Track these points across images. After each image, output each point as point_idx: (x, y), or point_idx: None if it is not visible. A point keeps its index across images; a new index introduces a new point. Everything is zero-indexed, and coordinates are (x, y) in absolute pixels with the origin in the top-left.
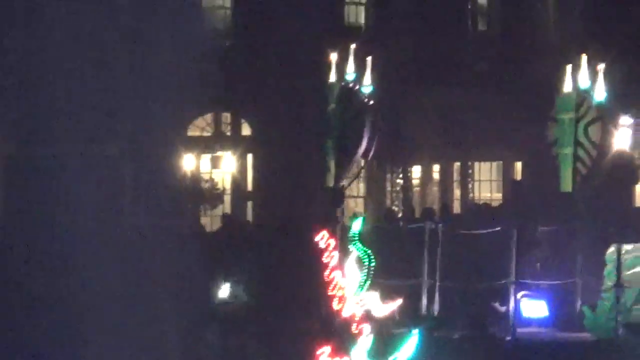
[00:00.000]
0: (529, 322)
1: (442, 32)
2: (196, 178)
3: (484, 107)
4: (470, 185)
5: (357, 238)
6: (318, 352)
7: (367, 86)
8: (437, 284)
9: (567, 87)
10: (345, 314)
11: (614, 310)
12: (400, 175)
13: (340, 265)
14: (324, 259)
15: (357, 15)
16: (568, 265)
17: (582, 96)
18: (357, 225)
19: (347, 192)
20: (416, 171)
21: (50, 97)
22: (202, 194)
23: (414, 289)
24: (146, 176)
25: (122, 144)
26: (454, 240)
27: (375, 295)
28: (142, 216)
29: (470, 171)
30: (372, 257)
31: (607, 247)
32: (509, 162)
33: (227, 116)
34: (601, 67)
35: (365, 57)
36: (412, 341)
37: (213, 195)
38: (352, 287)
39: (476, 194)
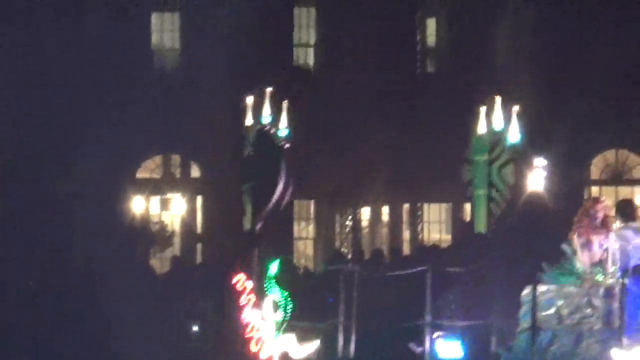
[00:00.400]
0: None
1: (391, 72)
2: (145, 220)
3: (432, 148)
4: (419, 227)
5: (274, 280)
6: None
7: (283, 129)
8: (354, 324)
9: (481, 128)
10: (262, 355)
11: (530, 351)
12: (350, 217)
13: (257, 307)
14: (242, 301)
15: (306, 56)
16: (483, 306)
17: (496, 138)
18: (274, 268)
19: (297, 234)
20: (365, 212)
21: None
22: (151, 236)
23: (331, 330)
24: (96, 217)
25: (72, 185)
26: (372, 282)
27: (292, 337)
28: (92, 257)
29: (419, 212)
30: (290, 299)
31: (523, 288)
32: (458, 203)
33: (176, 158)
34: (515, 109)
35: (282, 100)
36: None
37: (163, 237)
38: (269, 329)
39: (425, 236)
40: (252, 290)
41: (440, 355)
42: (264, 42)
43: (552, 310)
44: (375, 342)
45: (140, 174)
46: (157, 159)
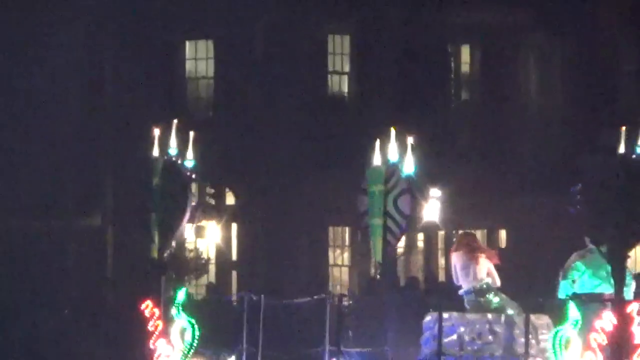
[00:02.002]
0: None
1: (425, 100)
2: (181, 247)
3: (468, 175)
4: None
5: (181, 308)
6: None
7: (189, 160)
8: (260, 351)
9: (377, 160)
10: None
11: None
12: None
13: (165, 333)
14: (149, 328)
15: (340, 85)
16: (380, 334)
17: (391, 169)
18: (181, 295)
19: (332, 261)
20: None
21: (33, 171)
22: (187, 263)
23: (238, 357)
24: (130, 246)
25: (105, 215)
26: (277, 310)
27: None
28: (126, 287)
29: (454, 239)
30: (197, 326)
31: (423, 315)
32: (493, 229)
33: (211, 186)
34: (410, 140)
35: (189, 130)
36: None
37: (198, 265)
38: (177, 355)
39: None
40: (159, 317)
41: None
42: (298, 70)
43: (454, 337)
44: None
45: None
46: (192, 187)
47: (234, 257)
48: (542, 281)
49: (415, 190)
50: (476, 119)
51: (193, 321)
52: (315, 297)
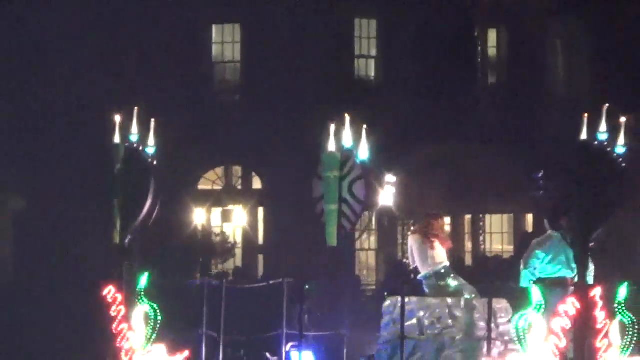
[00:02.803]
0: None
1: (452, 84)
2: (207, 232)
3: (494, 159)
4: (481, 238)
5: (143, 293)
6: None
7: (151, 147)
8: (221, 335)
9: (331, 146)
10: None
11: None
12: (412, 228)
13: (127, 318)
14: (112, 312)
15: (367, 68)
16: (336, 318)
17: (347, 155)
18: (143, 281)
19: (359, 245)
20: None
21: (59, 154)
22: (213, 247)
23: (200, 341)
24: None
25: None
26: (238, 294)
27: (162, 347)
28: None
29: (481, 223)
30: (159, 311)
31: (382, 300)
32: (519, 214)
33: (238, 169)
34: (365, 127)
35: (150, 118)
36: None
37: (224, 249)
38: (139, 339)
39: (487, 246)
40: (122, 302)
41: None
42: (325, 54)
43: (414, 321)
44: (240, 352)
45: (202, 186)
46: (219, 171)
47: (260, 241)
48: None
49: (370, 175)
50: (503, 102)
51: (155, 306)
52: (272, 282)
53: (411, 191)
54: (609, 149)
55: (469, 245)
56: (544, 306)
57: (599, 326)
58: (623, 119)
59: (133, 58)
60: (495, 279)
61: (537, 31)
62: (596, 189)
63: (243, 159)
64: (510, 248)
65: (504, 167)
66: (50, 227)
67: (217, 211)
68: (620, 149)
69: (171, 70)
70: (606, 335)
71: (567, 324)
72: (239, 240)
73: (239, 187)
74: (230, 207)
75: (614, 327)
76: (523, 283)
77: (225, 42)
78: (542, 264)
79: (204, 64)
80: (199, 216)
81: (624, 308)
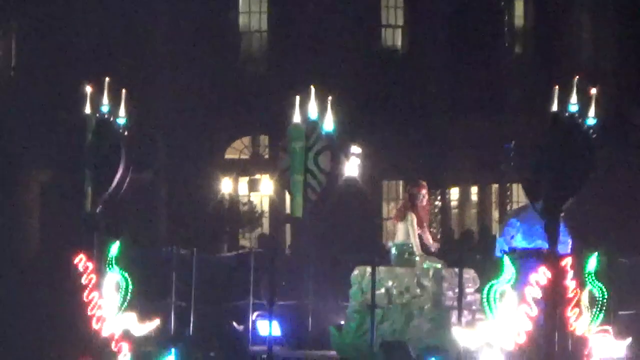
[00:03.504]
0: (264, 340)
1: (478, 55)
2: (234, 201)
3: (520, 129)
4: (508, 207)
5: (114, 262)
6: None
7: (122, 118)
8: (192, 305)
9: (297, 117)
10: (104, 333)
11: (361, 329)
12: (439, 198)
13: (98, 287)
14: (83, 281)
15: (393, 38)
16: (302, 287)
17: (312, 126)
18: (114, 250)
19: (386, 214)
20: (454, 193)
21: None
22: (240, 216)
23: (170, 310)
24: (183, 200)
25: (160, 168)
26: (206, 264)
27: (133, 315)
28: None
29: (508, 192)
30: (130, 280)
31: (350, 269)
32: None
33: (264, 138)
34: (330, 98)
35: (120, 90)
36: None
37: (251, 218)
38: (111, 307)
39: None
40: (93, 271)
41: (260, 333)
42: (351, 24)
43: (382, 290)
44: (210, 321)
45: (229, 155)
46: (246, 140)
47: (288, 209)
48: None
49: (335, 147)
50: (529, 72)
51: (126, 275)
52: (241, 251)
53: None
54: (579, 120)
55: (495, 214)
56: (514, 276)
57: (569, 295)
58: (594, 91)
59: (161, 28)
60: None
61: (563, 1)
62: (567, 160)
63: (270, 128)
64: None
65: (530, 138)
66: (20, 197)
67: (244, 180)
68: (590, 120)
69: (198, 40)
70: (577, 305)
71: (538, 293)
72: (265, 209)
73: (266, 156)
74: (257, 176)
75: (584, 297)
76: (498, 252)
77: (252, 12)
78: (518, 233)
79: (231, 33)
80: (226, 185)
81: (594, 278)
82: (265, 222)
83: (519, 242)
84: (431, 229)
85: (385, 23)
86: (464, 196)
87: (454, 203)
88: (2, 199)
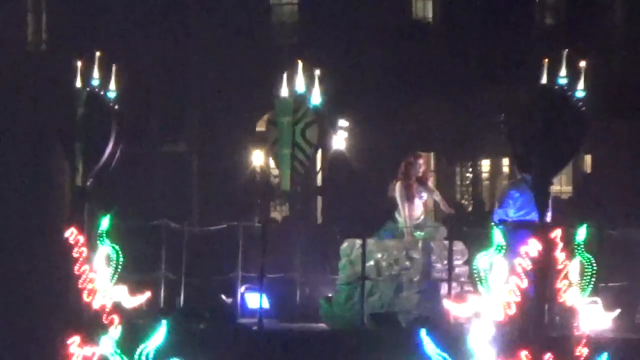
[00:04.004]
0: (253, 313)
1: (508, 27)
2: (265, 174)
3: None
4: None
5: (105, 234)
6: (68, 342)
7: (112, 91)
8: (183, 278)
9: (284, 91)
10: (95, 305)
11: (350, 301)
12: (470, 169)
13: (89, 259)
14: (74, 254)
15: (424, 10)
16: (289, 260)
17: (299, 100)
18: (105, 223)
19: None
20: (485, 165)
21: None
22: (271, 189)
23: (160, 282)
24: (215, 172)
25: (192, 141)
26: (197, 237)
27: (124, 288)
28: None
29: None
30: (120, 253)
31: (338, 242)
32: (578, 155)
33: None
34: (317, 72)
35: (111, 64)
36: (160, 331)
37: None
38: (102, 280)
39: None
40: (83, 244)
41: (249, 306)
42: None
43: (371, 263)
44: (200, 294)
45: (260, 128)
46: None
47: (319, 182)
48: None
49: (322, 120)
50: (560, 44)
51: (117, 248)
52: (227, 224)
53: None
54: (569, 93)
55: None
56: (504, 247)
57: (559, 267)
58: (582, 64)
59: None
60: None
61: None
62: (556, 133)
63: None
64: (569, 189)
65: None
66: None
67: None
68: (580, 93)
69: (230, 13)
70: (566, 276)
71: (529, 264)
72: None
73: None
74: None
75: (574, 268)
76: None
77: None
78: (517, 204)
79: (261, 6)
80: (257, 158)
81: (583, 249)
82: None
83: (514, 213)
84: (463, 200)
85: None
86: (495, 168)
87: (485, 175)
88: None
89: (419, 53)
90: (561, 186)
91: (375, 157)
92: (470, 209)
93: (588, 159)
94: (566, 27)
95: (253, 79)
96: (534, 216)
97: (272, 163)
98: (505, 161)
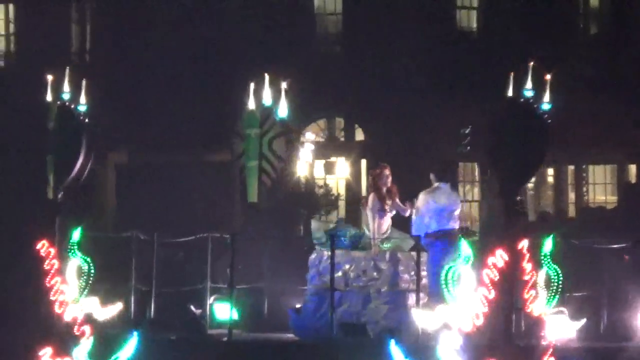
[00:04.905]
0: (220, 324)
1: (553, 35)
2: (310, 183)
3: (597, 110)
4: (584, 189)
5: (76, 247)
6: (40, 353)
7: (82, 105)
8: (153, 289)
9: (251, 104)
10: (67, 317)
11: (319, 312)
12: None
13: (60, 272)
14: (45, 267)
15: (468, 20)
16: (256, 271)
17: (266, 113)
18: (76, 235)
19: (462, 196)
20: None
21: (161, 109)
22: (316, 199)
23: (131, 294)
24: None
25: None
26: (167, 247)
27: (95, 299)
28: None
29: (584, 174)
30: (92, 265)
31: (307, 253)
32: (623, 164)
33: (340, 121)
34: (284, 85)
35: (81, 78)
36: (131, 342)
37: (328, 201)
38: (73, 292)
39: (591, 197)
40: (55, 256)
41: (217, 316)
42: (426, 5)
43: (339, 274)
44: (170, 305)
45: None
46: (322, 123)
47: (363, 192)
48: None
49: (289, 133)
50: (605, 52)
51: (88, 260)
52: (198, 235)
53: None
54: (534, 106)
55: (572, 196)
56: (472, 258)
57: (526, 277)
58: (548, 77)
59: (236, 11)
60: (598, 231)
61: None
62: (523, 144)
63: (345, 111)
64: (614, 199)
65: (606, 118)
66: None
67: (320, 163)
68: (545, 105)
69: (274, 23)
70: (533, 286)
71: (496, 275)
72: (342, 192)
73: (342, 139)
74: (333, 158)
75: (540, 278)
76: (415, 231)
77: None
78: (434, 213)
79: (306, 16)
80: (302, 168)
81: (549, 260)
82: (342, 204)
83: (434, 221)
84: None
85: (460, 5)
86: (540, 178)
87: (529, 185)
88: None
89: (461, 61)
90: (606, 196)
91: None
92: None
93: (633, 168)
94: (611, 36)
95: (299, 89)
96: (452, 225)
97: (320, 172)
98: (550, 171)
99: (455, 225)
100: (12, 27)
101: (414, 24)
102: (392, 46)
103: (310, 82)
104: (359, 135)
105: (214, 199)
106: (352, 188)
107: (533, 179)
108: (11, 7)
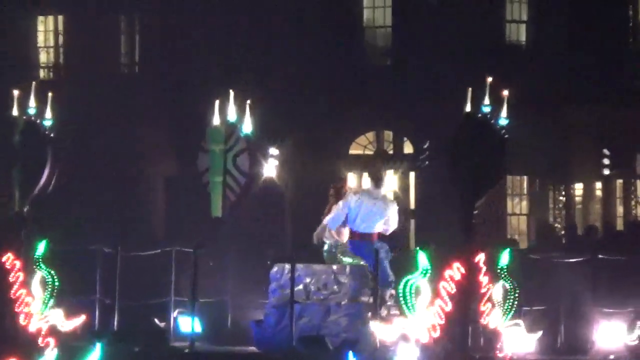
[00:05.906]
0: (185, 337)
1: (601, 47)
2: None
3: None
4: (633, 203)
5: (41, 260)
6: None
7: (48, 120)
8: (116, 301)
9: (216, 120)
10: (31, 328)
11: (280, 324)
12: (563, 193)
13: (26, 284)
14: (10, 279)
15: (518, 33)
16: (219, 284)
17: (231, 128)
18: (41, 248)
19: (510, 210)
20: (578, 189)
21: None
22: None
23: (95, 306)
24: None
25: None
26: (133, 261)
27: (59, 311)
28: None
29: (633, 188)
30: (56, 277)
31: (269, 266)
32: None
33: (389, 134)
34: (248, 102)
35: (48, 91)
36: (95, 354)
37: None
38: (37, 304)
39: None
40: (20, 269)
41: (182, 329)
42: (475, 18)
43: (300, 287)
44: (134, 317)
45: (353, 150)
46: (370, 135)
47: (412, 205)
48: None
49: (254, 148)
50: None
51: (53, 272)
52: (162, 249)
53: None
54: (492, 121)
55: (620, 210)
56: (429, 270)
57: (482, 290)
58: (505, 92)
59: (287, 24)
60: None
61: None
62: (480, 159)
63: (394, 124)
64: None
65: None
66: None
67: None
68: (502, 120)
69: (323, 36)
70: (489, 299)
71: (453, 288)
72: None
73: (390, 152)
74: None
75: (497, 291)
76: (332, 224)
77: (377, 7)
78: (352, 213)
79: (355, 29)
80: (351, 181)
81: (506, 273)
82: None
83: (359, 225)
84: (556, 224)
85: (510, 18)
86: (588, 191)
87: (577, 199)
88: None
89: (510, 75)
90: (637, 208)
91: None
92: (562, 232)
93: None
94: None
95: (346, 102)
96: (367, 229)
97: (368, 185)
98: (598, 184)
99: (371, 228)
100: (60, 38)
101: (463, 36)
102: (441, 58)
103: (360, 94)
104: (408, 148)
105: (178, 214)
106: (401, 201)
107: (580, 192)
108: (60, 18)
